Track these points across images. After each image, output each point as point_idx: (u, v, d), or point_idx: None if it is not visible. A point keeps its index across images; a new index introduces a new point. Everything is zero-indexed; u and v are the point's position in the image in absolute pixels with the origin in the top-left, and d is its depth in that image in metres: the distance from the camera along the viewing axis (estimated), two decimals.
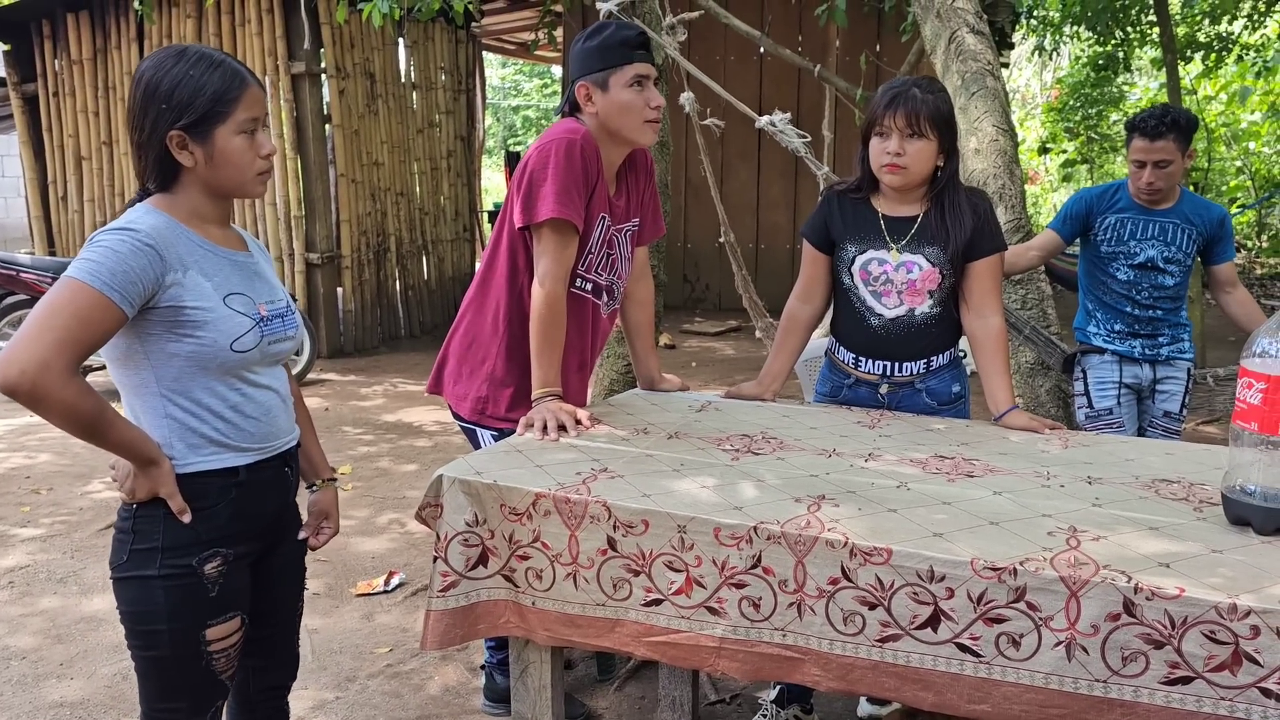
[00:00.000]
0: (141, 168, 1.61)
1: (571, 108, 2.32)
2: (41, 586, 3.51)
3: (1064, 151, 14.56)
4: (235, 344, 1.61)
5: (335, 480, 1.98)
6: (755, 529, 1.62)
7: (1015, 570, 1.47)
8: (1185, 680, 1.40)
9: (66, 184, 8.14)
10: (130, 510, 1.63)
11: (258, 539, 1.74)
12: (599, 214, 2.31)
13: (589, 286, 2.38)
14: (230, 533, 1.66)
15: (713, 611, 1.68)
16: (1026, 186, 5.91)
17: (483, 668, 2.78)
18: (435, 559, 1.85)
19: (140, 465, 1.58)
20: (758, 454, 2.01)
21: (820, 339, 2.99)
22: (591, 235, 2.32)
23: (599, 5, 3.49)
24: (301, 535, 1.88)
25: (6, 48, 7.98)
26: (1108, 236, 3.17)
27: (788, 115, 3.46)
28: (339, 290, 7.90)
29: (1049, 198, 15.96)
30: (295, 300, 7.09)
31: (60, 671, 2.93)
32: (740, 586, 1.65)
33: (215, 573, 1.64)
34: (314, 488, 1.94)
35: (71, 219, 8.19)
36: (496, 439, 2.37)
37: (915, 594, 1.53)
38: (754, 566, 1.63)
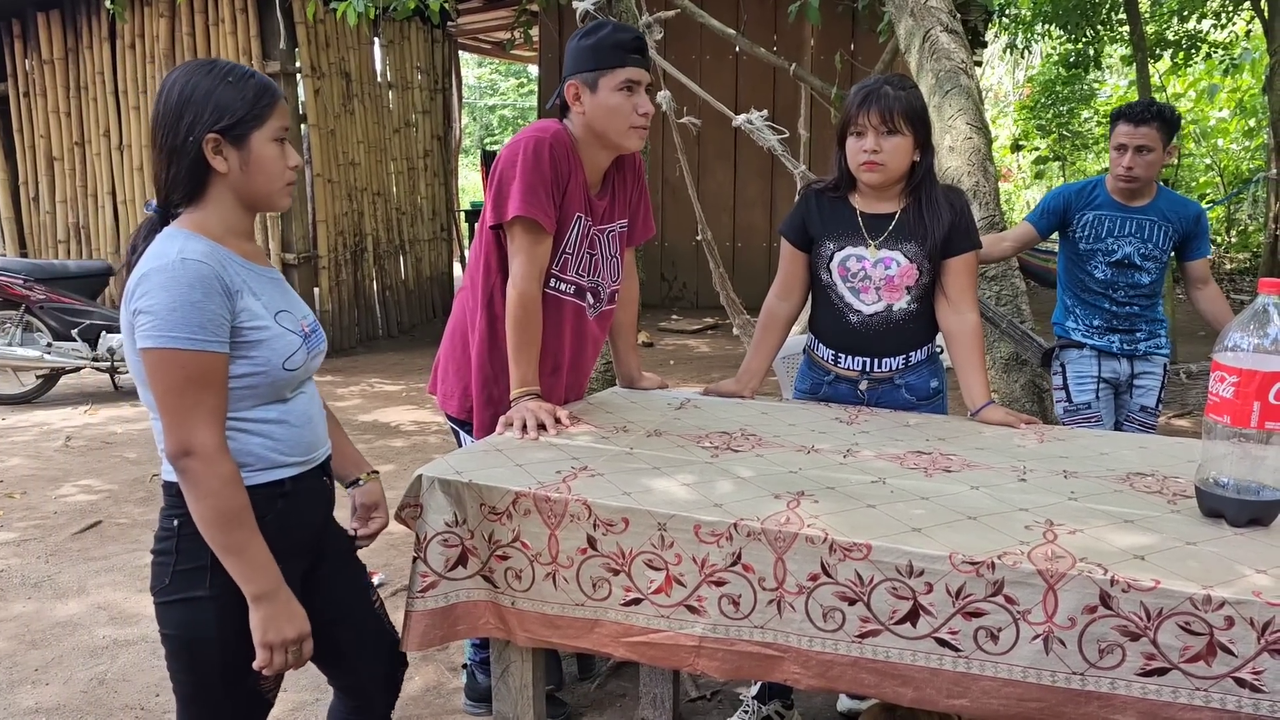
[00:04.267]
0: (167, 179, 1.56)
1: (562, 105, 2.30)
2: (15, 591, 3.47)
3: (1036, 149, 14.68)
4: (287, 363, 1.60)
5: (378, 474, 1.98)
6: (735, 526, 1.63)
7: (993, 564, 1.48)
8: (1161, 671, 1.42)
9: (38, 185, 8.05)
10: (171, 529, 1.57)
11: (305, 553, 1.70)
12: (575, 213, 2.28)
13: (569, 288, 2.35)
14: (279, 547, 1.58)
15: (692, 610, 1.68)
16: (999, 184, 5.95)
17: (464, 666, 2.77)
18: (415, 559, 1.85)
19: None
20: (737, 451, 2.01)
21: (798, 336, 3.00)
22: (567, 235, 2.29)
23: (575, 5, 3.49)
24: (354, 527, 1.90)
25: None
26: (1085, 234, 3.20)
27: (764, 114, 3.48)
28: (316, 290, 7.86)
29: (1022, 195, 16.08)
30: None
31: (35, 677, 2.90)
32: (720, 584, 1.65)
33: None
34: (358, 483, 1.94)
35: (43, 220, 8.10)
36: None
37: (894, 589, 1.54)
38: (734, 563, 1.64)
